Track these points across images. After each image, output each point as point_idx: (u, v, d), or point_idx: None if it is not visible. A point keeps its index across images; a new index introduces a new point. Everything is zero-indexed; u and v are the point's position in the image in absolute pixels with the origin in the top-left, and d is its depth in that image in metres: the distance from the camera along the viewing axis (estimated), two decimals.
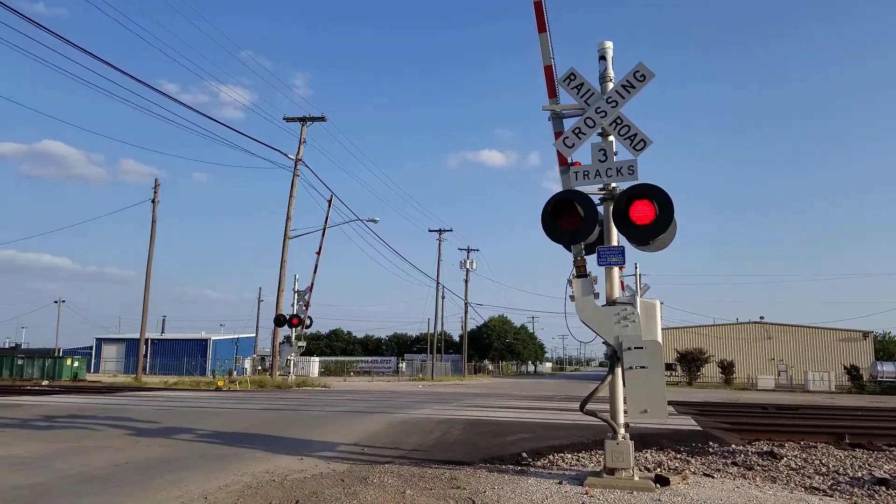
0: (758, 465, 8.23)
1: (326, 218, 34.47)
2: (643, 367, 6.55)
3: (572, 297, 7.01)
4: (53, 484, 6.60)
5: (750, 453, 9.17)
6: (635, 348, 6.61)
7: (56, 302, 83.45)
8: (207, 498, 5.99)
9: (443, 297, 68.22)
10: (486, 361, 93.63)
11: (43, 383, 37.29)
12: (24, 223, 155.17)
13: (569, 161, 7.31)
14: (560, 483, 6.81)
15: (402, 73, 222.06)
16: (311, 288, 32.43)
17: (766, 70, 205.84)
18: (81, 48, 16.42)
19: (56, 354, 61.05)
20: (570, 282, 7.06)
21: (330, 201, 34.85)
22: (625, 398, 6.73)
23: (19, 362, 46.91)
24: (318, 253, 33.56)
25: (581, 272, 7.03)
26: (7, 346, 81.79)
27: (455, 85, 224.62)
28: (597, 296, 6.99)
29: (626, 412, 6.78)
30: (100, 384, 35.56)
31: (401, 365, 76.09)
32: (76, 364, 47.07)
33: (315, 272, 33.35)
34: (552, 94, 7.54)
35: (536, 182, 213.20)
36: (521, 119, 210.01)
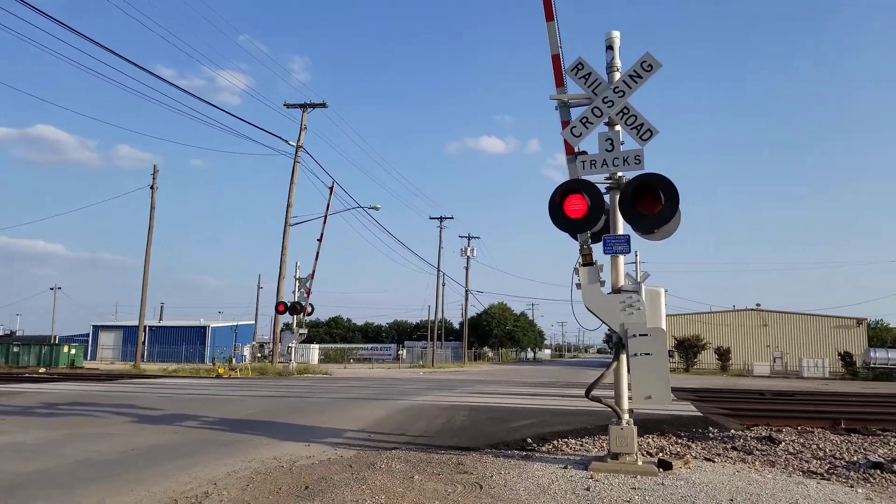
0: (757, 449, 8.35)
1: (328, 205, 34.49)
2: (648, 354, 6.63)
3: (578, 286, 7.07)
4: (61, 470, 6.66)
5: (749, 438, 9.29)
6: (640, 335, 6.67)
7: (52, 289, 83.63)
8: (217, 484, 6.05)
9: (443, 285, 68.52)
10: (486, 348, 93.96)
11: (40, 371, 37.29)
12: (18, 209, 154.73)
13: (576, 150, 7.34)
14: (565, 468, 6.90)
15: (400, 58, 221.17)
16: (312, 275, 32.51)
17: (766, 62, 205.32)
18: (76, 31, 16.32)
19: (52, 342, 61.10)
20: (576, 270, 7.12)
21: (332, 188, 34.85)
22: (629, 384, 6.81)
23: (15, 349, 46.95)
24: (320, 240, 33.62)
25: (587, 260, 7.09)
26: (2, 334, 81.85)
27: (454, 71, 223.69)
28: (602, 284, 7.05)
29: (630, 398, 6.86)
30: (98, 371, 35.61)
31: (401, 352, 76.37)
32: (73, 351, 47.09)
33: (317, 260, 33.42)
34: (560, 83, 7.53)
35: (536, 169, 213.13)
36: (521, 105, 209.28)
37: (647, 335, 6.67)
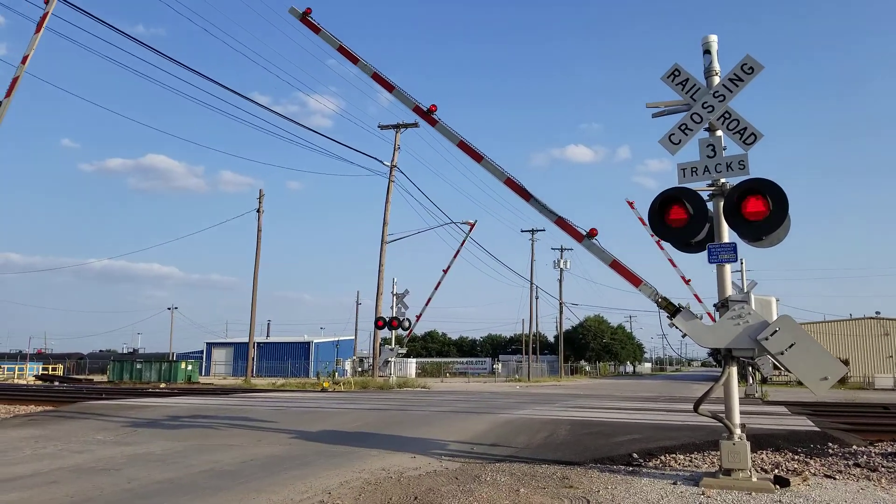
0: (882, 466, 7.85)
1: (464, 241, 34.82)
2: (792, 346, 6.35)
3: (684, 335, 6.88)
4: (188, 479, 7.11)
5: (873, 454, 8.74)
6: (771, 335, 6.42)
7: (169, 309, 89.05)
8: (331, 493, 6.30)
9: (537, 298, 68.06)
10: (583, 362, 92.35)
11: (161, 386, 39.59)
12: (134, 234, 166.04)
13: (584, 235, 7.60)
14: (674, 483, 6.74)
15: (483, 72, 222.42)
16: (428, 302, 33.37)
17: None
18: (180, 62, 17.46)
19: (171, 358, 64.92)
20: (671, 325, 6.94)
21: (473, 225, 35.12)
22: (798, 380, 6.50)
23: (138, 366, 50.10)
24: (446, 271, 34.16)
25: (672, 310, 6.91)
26: (125, 352, 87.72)
27: (536, 81, 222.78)
28: (700, 317, 6.87)
29: (807, 387, 6.50)
30: (213, 386, 37.46)
31: (496, 366, 76.22)
32: (190, 367, 49.78)
33: (436, 289, 34.03)
34: (526, 198, 7.93)
35: (626, 177, 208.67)
36: (610, 113, 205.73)
37: (777, 329, 6.41)
